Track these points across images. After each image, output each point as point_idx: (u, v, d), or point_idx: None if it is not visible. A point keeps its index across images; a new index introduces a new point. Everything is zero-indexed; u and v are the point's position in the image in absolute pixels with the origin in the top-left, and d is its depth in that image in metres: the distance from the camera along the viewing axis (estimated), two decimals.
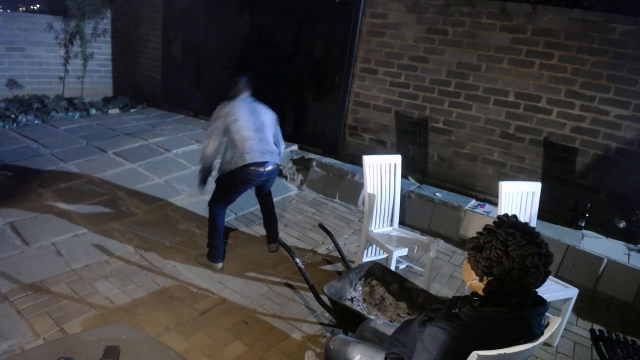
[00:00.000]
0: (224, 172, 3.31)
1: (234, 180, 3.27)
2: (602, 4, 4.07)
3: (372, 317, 2.33)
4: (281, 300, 3.11)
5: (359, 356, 1.89)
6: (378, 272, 2.79)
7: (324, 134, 5.87)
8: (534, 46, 4.30)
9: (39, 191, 4.07)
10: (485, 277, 1.47)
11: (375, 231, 3.47)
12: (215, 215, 3.42)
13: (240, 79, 3.45)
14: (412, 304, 2.61)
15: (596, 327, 3.22)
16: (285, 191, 5.05)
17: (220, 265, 3.44)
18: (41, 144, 5.11)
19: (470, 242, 1.52)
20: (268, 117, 3.45)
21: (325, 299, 2.65)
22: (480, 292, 1.51)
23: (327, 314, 2.91)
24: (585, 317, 3.37)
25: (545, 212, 4.12)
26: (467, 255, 1.56)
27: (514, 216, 1.51)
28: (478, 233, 1.51)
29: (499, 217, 1.52)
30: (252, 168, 3.21)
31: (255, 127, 3.28)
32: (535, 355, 2.85)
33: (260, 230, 4.08)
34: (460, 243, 4.29)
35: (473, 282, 1.52)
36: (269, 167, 3.31)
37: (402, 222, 4.07)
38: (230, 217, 4.25)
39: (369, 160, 3.32)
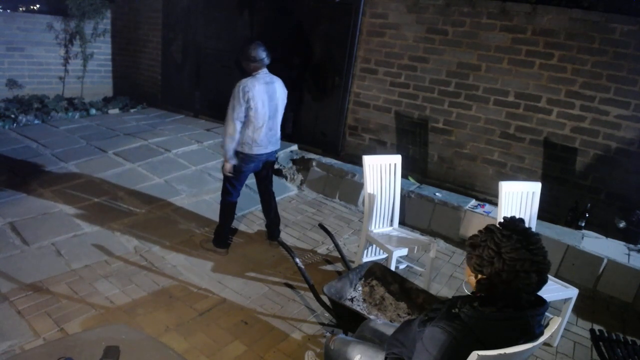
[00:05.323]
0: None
1: (239, 163, 3.40)
2: (602, 4, 4.07)
3: (372, 317, 2.33)
4: (281, 300, 3.11)
5: (359, 356, 1.89)
6: (378, 272, 2.79)
7: (324, 134, 5.87)
8: (534, 46, 4.30)
9: (39, 191, 4.07)
10: (479, 275, 1.49)
11: (375, 231, 3.46)
12: (225, 202, 3.54)
13: (261, 54, 3.31)
14: (412, 304, 2.61)
15: (596, 327, 3.21)
16: (285, 191, 5.05)
17: (225, 251, 3.60)
18: (41, 144, 5.11)
19: (470, 239, 1.54)
20: (281, 98, 3.48)
21: (325, 299, 2.65)
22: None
23: (327, 314, 2.91)
24: (585, 317, 3.37)
25: (545, 212, 4.12)
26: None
27: (521, 219, 1.51)
28: (479, 231, 1.53)
29: (504, 218, 1.52)
30: (255, 153, 3.40)
31: (269, 115, 3.38)
32: (535, 355, 2.85)
33: (260, 231, 4.08)
34: (460, 243, 4.29)
35: (470, 279, 1.55)
36: (269, 151, 3.50)
37: (402, 222, 4.07)
38: None
39: (369, 160, 3.32)
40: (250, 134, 3.31)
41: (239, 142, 3.34)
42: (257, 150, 3.38)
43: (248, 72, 3.34)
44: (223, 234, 3.60)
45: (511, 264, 1.40)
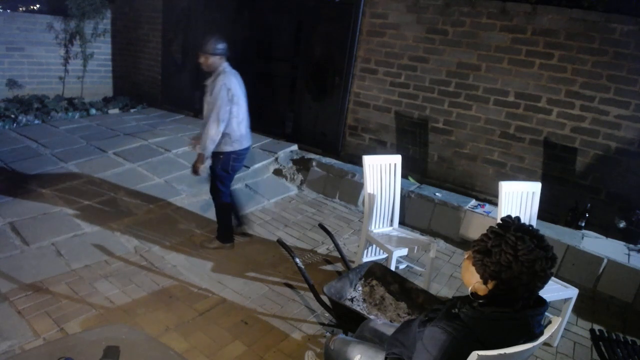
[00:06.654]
0: (218, 152, 3.34)
1: (229, 161, 3.40)
2: (602, 4, 4.07)
3: (372, 317, 2.33)
4: (281, 300, 3.11)
5: (359, 356, 1.89)
6: (378, 272, 2.78)
7: (324, 134, 5.86)
8: (534, 46, 4.30)
9: (39, 191, 4.07)
10: (490, 281, 1.46)
11: (375, 231, 3.46)
12: (221, 203, 3.56)
13: (225, 46, 3.25)
14: (412, 304, 2.61)
15: (596, 327, 3.22)
16: (285, 191, 5.05)
17: (232, 244, 3.68)
18: (41, 144, 5.11)
19: (476, 245, 1.50)
20: (244, 89, 3.46)
21: (325, 299, 2.65)
22: (481, 293, 1.51)
23: (327, 314, 2.91)
24: (585, 317, 3.37)
25: (545, 212, 4.12)
26: (466, 256, 1.55)
27: (517, 218, 1.50)
28: (485, 236, 1.49)
29: (503, 219, 1.50)
30: (245, 147, 3.45)
31: (245, 107, 3.39)
32: (535, 355, 2.85)
33: (260, 231, 4.08)
34: (460, 243, 4.29)
35: (477, 285, 1.51)
36: (251, 142, 3.57)
37: (402, 222, 4.07)
38: None
39: (369, 160, 3.32)
40: (236, 127, 3.30)
41: (227, 142, 3.31)
42: (246, 143, 3.43)
43: (210, 67, 3.25)
44: (229, 229, 3.65)
45: (529, 265, 1.38)
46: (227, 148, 3.34)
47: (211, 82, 3.23)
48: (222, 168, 3.42)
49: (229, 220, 3.64)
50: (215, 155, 3.35)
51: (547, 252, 1.41)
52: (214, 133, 3.19)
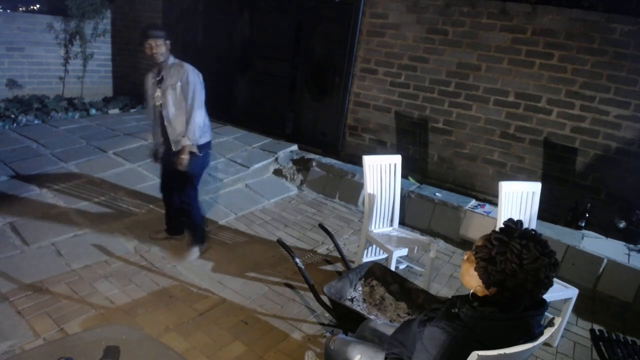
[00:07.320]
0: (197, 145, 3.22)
1: (207, 156, 3.34)
2: (602, 4, 4.07)
3: (372, 317, 2.33)
4: (281, 300, 3.11)
5: (359, 356, 1.89)
6: (378, 272, 2.78)
7: (324, 134, 5.87)
8: (534, 46, 4.31)
9: (39, 191, 4.07)
10: (491, 287, 1.45)
11: (375, 231, 3.46)
12: (195, 205, 3.40)
13: (165, 32, 3.13)
14: (412, 304, 2.61)
15: (596, 327, 3.22)
16: (285, 191, 5.05)
17: (206, 244, 3.63)
18: (41, 144, 5.11)
19: (480, 252, 1.47)
20: None
21: (325, 299, 2.65)
22: (480, 294, 1.50)
23: (327, 314, 2.91)
24: (585, 317, 3.37)
25: (545, 212, 4.12)
26: (465, 257, 1.55)
27: (520, 222, 1.48)
28: (488, 243, 1.46)
29: (505, 224, 1.48)
30: (210, 140, 3.36)
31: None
32: (535, 355, 2.85)
33: (260, 231, 4.08)
34: (460, 243, 4.29)
35: (478, 289, 1.50)
36: None
37: (402, 222, 4.07)
38: (230, 217, 4.25)
39: (369, 160, 3.32)
40: (205, 119, 3.26)
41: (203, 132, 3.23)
42: (211, 134, 3.35)
43: (163, 55, 3.21)
44: (203, 229, 3.64)
45: (534, 273, 1.38)
46: (202, 140, 3.24)
47: (172, 72, 3.15)
48: (202, 163, 3.29)
49: (202, 223, 3.57)
50: (191, 153, 3.19)
51: (550, 258, 1.41)
52: (200, 120, 3.15)
